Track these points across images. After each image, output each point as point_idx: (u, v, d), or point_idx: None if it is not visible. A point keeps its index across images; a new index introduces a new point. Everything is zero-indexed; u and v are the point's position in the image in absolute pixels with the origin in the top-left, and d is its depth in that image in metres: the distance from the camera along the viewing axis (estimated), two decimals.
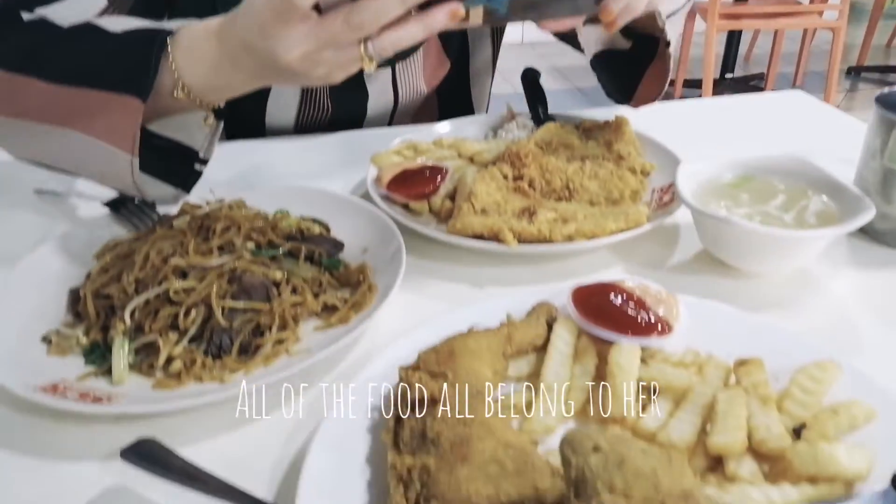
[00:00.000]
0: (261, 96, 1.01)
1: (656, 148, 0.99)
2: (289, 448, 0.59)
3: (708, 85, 3.49)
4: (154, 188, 0.70)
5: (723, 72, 4.08)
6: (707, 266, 0.80)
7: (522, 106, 1.12)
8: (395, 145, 1.00)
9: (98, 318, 0.71)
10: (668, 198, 0.88)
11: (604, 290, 0.64)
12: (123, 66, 0.56)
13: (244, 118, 1.08)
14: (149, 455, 0.54)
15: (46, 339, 0.70)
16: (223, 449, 0.60)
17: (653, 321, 0.61)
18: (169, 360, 0.67)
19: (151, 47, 0.54)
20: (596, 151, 0.97)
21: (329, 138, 1.11)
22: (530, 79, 1.13)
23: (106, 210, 0.88)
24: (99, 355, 0.69)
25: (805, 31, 4.03)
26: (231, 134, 1.10)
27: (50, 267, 0.78)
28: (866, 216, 0.70)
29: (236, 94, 0.61)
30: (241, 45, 0.53)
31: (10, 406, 0.63)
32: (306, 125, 1.12)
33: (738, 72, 4.25)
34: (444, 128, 1.07)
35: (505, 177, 0.91)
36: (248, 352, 0.68)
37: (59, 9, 0.64)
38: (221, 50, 0.55)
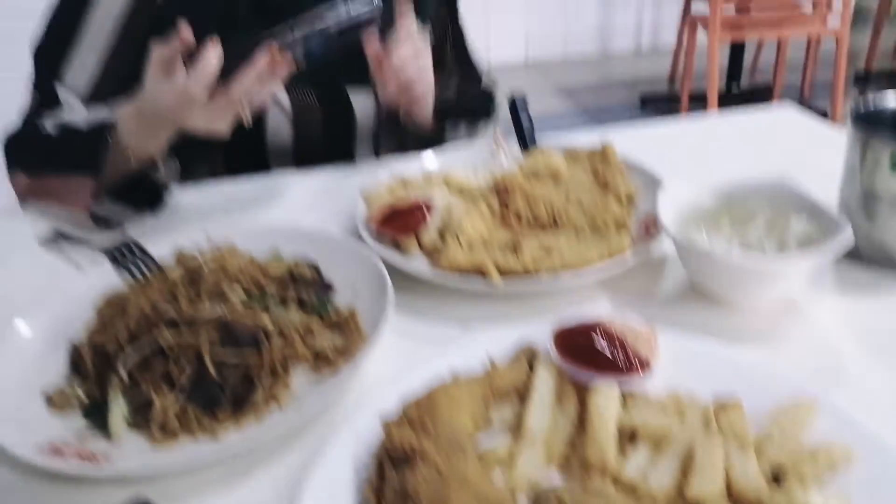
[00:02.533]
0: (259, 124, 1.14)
1: (642, 173, 0.99)
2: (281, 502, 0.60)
3: (713, 98, 3.48)
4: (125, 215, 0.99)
5: (728, 83, 4.07)
6: (692, 298, 0.80)
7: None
8: (385, 180, 1.01)
9: (96, 373, 0.73)
10: (653, 227, 0.88)
11: (584, 329, 0.65)
12: (81, 153, 0.91)
13: (246, 144, 1.16)
14: None
15: (47, 396, 0.72)
16: None
17: (632, 360, 0.61)
18: (165, 415, 0.69)
19: (101, 135, 0.87)
20: (582, 178, 0.98)
21: (321, 174, 1.13)
22: (516, 106, 1.14)
23: (104, 258, 0.90)
24: (97, 411, 0.70)
25: (809, 39, 4.01)
26: (234, 165, 1.17)
27: (51, 319, 0.80)
28: (843, 240, 0.70)
29: (158, 144, 0.90)
30: (153, 114, 0.85)
31: (9, 465, 0.64)
32: (302, 138, 1.16)
33: (745, 82, 4.24)
34: (431, 159, 1.09)
35: (491, 209, 0.93)
36: (240, 403, 0.70)
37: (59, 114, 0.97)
38: (139, 119, 0.86)
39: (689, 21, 3.84)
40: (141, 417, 0.68)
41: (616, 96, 4.55)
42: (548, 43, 5.16)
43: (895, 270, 0.81)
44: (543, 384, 0.62)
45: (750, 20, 3.58)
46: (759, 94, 4.24)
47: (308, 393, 0.70)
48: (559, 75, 4.93)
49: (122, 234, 0.89)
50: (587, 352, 0.62)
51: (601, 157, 1.00)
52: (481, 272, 0.81)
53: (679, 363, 0.63)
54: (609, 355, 0.62)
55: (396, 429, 0.55)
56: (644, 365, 0.62)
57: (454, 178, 1.01)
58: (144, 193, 0.99)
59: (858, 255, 0.83)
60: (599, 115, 4.26)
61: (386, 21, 0.89)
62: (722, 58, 3.63)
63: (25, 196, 1.01)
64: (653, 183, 0.96)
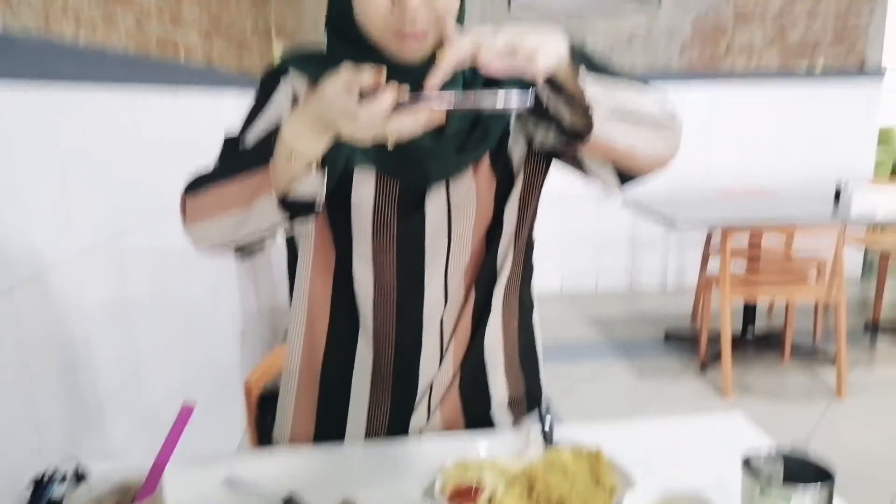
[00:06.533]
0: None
1: (619, 472, 1.52)
2: None
3: (726, 348, 4.02)
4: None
5: (744, 327, 4.62)
6: None
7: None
8: (453, 463, 1.56)
9: None
10: None
11: None
12: (259, 156, 0.98)
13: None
14: None
15: None
16: None
17: None
18: None
19: (271, 137, 0.96)
20: (584, 473, 1.51)
21: (394, 448, 1.66)
22: (541, 412, 1.70)
23: None
24: None
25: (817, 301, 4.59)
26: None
27: None
28: None
29: (318, 145, 0.93)
30: (316, 117, 0.91)
31: None
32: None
33: (761, 324, 4.79)
34: (482, 449, 1.63)
35: (523, 491, 1.45)
36: None
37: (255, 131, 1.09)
38: (302, 118, 0.92)
39: (704, 281, 4.50)
40: None
41: (642, 331, 5.12)
42: (581, 278, 5.89)
43: None
44: None
45: (758, 281, 4.19)
46: (773, 339, 4.75)
47: None
48: (591, 307, 5.58)
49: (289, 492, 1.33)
50: None
51: (595, 459, 1.53)
52: None
53: None
54: None
55: None
56: None
57: (499, 464, 1.55)
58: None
59: None
60: (626, 347, 4.81)
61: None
62: (738, 304, 4.19)
63: (188, 221, 1.06)
64: (624, 478, 1.48)
